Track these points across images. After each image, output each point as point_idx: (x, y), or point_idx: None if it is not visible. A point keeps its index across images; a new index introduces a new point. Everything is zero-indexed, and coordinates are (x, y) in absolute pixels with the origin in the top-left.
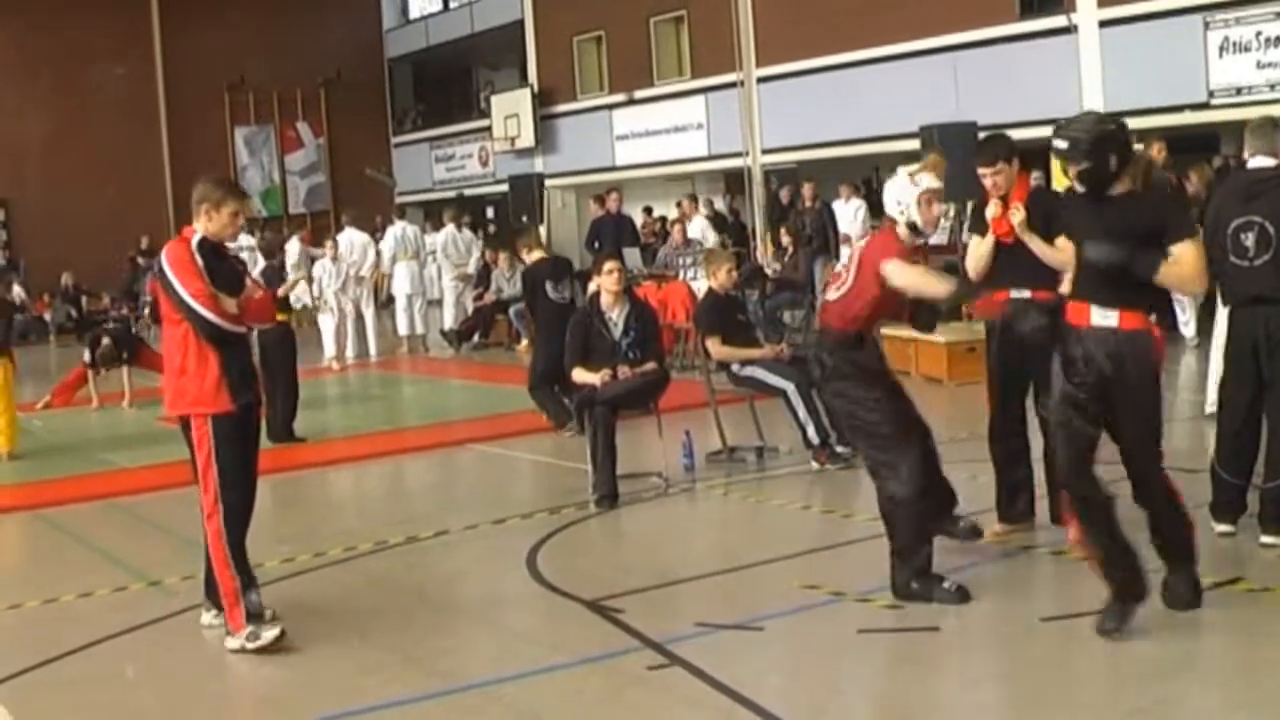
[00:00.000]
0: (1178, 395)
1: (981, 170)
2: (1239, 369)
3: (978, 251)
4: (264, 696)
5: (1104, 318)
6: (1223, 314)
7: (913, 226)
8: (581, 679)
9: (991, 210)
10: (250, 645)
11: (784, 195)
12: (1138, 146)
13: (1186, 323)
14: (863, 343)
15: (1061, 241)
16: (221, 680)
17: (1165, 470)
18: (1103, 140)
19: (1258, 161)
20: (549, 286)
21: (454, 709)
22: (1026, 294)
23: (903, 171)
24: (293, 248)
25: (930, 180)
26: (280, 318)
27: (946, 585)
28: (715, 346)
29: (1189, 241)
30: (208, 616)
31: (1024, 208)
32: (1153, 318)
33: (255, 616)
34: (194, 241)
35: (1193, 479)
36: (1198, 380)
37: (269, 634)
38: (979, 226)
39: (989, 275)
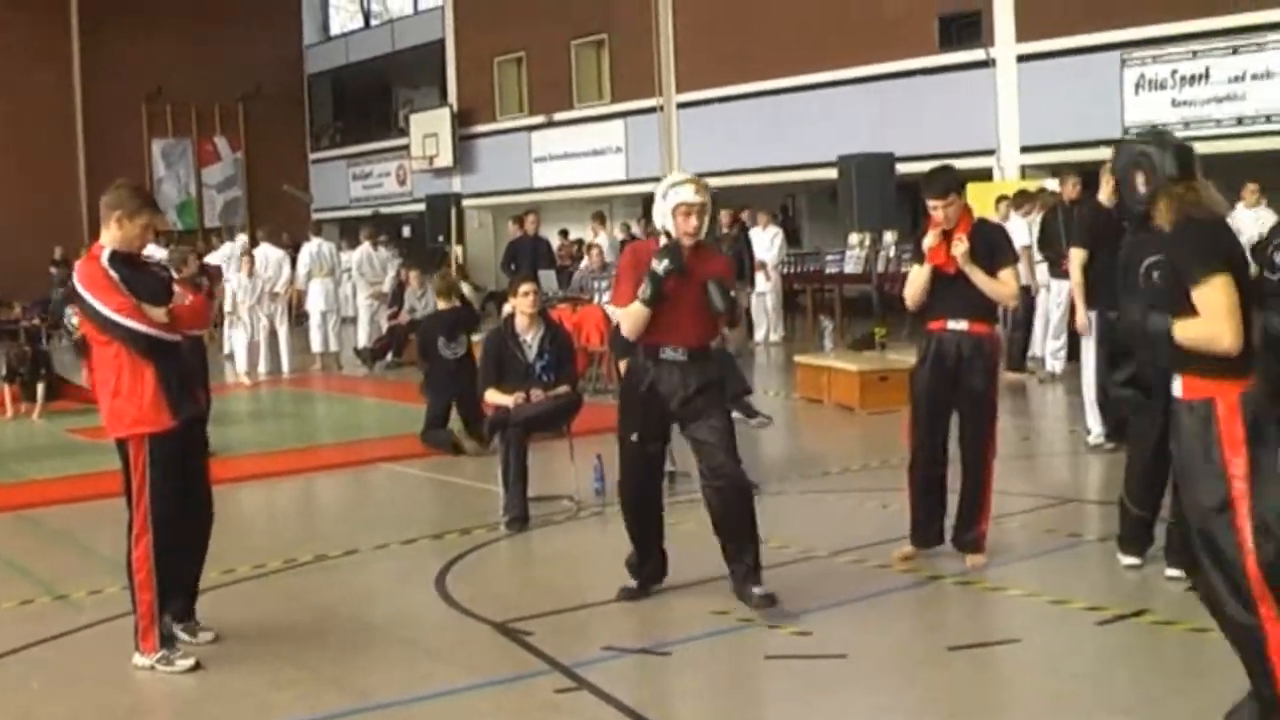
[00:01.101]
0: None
1: (933, 203)
2: (1146, 403)
3: (915, 280)
4: (173, 711)
5: (1177, 388)
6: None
7: (668, 234)
8: (490, 700)
9: (929, 240)
10: (161, 668)
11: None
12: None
13: None
14: (635, 351)
15: (1005, 274)
16: (130, 694)
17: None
18: (1129, 155)
19: None
20: (441, 342)
21: None
22: (964, 325)
23: (665, 183)
24: (227, 251)
25: (683, 194)
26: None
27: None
28: None
29: (1205, 285)
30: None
31: (967, 239)
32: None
33: (168, 639)
34: (104, 257)
35: (1103, 510)
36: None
37: (182, 664)
38: (922, 256)
39: (927, 305)
